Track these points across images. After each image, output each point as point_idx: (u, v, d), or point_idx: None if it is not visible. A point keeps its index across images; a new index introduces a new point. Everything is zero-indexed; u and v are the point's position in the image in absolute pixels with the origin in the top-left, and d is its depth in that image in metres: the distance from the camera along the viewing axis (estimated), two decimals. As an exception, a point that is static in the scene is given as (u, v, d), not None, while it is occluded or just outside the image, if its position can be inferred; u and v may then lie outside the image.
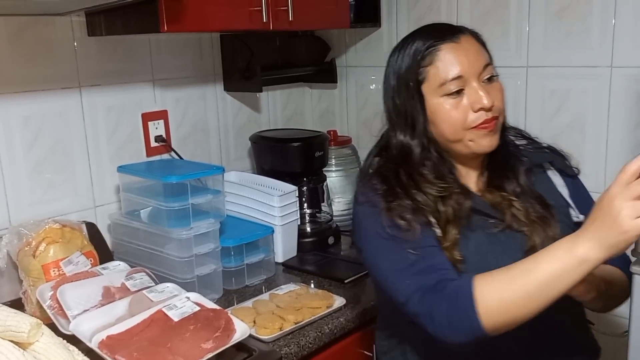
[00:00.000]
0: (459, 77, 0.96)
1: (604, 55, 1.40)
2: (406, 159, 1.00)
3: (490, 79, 0.99)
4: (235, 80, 1.76)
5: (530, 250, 0.94)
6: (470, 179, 1.04)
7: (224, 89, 1.79)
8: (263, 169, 1.74)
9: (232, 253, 1.43)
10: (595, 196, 0.86)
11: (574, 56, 1.45)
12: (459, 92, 0.97)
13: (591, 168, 1.43)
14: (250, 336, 1.11)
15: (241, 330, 1.06)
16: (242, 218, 1.58)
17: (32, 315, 0.94)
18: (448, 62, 0.96)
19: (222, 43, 1.76)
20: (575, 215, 1.03)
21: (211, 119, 1.77)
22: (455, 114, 0.97)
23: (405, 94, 1.00)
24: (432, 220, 0.95)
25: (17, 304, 1.20)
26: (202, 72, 1.73)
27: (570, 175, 1.09)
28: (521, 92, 1.56)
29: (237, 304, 1.34)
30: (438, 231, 0.95)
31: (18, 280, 1.26)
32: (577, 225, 0.87)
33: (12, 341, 0.84)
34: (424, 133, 0.99)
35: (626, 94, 1.39)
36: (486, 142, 0.98)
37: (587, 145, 1.46)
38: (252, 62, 1.68)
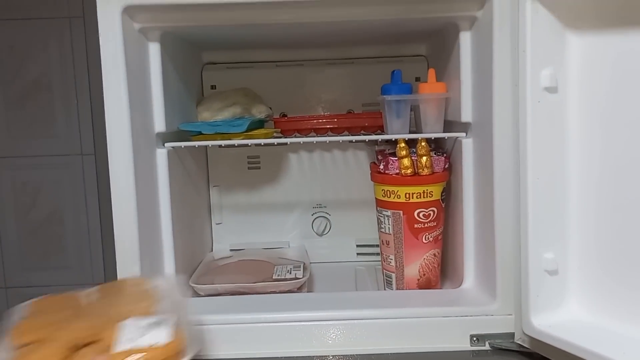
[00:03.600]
0: None
1: (72, 143, 1.31)
2: None
3: None
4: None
5: None
6: None
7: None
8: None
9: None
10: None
11: (43, 145, 1.31)
12: None
13: (75, 259, 1.35)
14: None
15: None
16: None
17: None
18: None
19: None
20: None
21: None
22: None
23: None
24: None
25: None
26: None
27: None
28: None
29: None
30: None
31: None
32: None
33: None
34: None
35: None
36: None
37: (69, 238, 1.34)
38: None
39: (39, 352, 0.61)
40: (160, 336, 0.61)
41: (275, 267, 1.04)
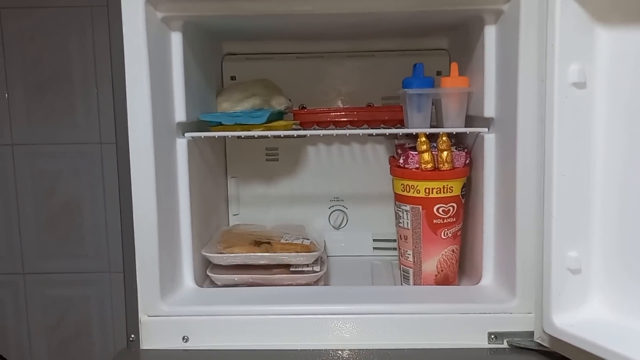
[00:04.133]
0: None
1: (91, 132, 1.33)
2: None
3: None
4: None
5: None
6: None
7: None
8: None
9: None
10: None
11: (62, 133, 1.33)
12: None
13: (93, 248, 1.37)
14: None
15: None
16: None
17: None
18: None
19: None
20: None
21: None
22: None
23: None
24: None
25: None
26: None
27: None
28: (9, 173, 1.36)
29: None
30: None
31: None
32: None
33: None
34: None
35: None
36: None
37: (87, 226, 1.37)
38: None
39: (236, 242, 1.01)
40: (305, 242, 0.99)
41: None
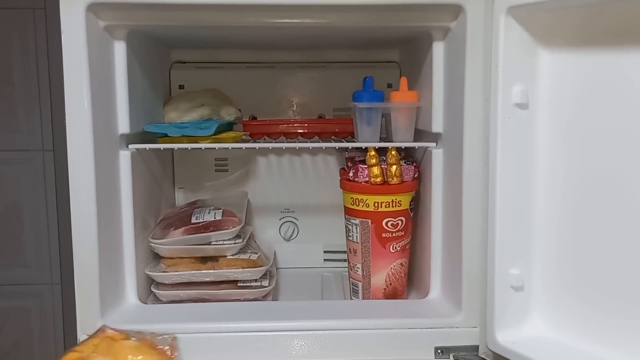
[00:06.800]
0: None
1: (33, 138, 1.27)
2: None
3: None
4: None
5: None
6: None
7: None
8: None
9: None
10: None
11: (2, 139, 1.28)
12: None
13: (34, 257, 1.31)
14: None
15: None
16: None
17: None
18: None
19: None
20: None
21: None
22: None
23: None
24: None
25: None
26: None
27: None
28: None
29: None
30: None
31: None
32: None
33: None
34: None
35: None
36: None
37: (27, 233, 1.31)
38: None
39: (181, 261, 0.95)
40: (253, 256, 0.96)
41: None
